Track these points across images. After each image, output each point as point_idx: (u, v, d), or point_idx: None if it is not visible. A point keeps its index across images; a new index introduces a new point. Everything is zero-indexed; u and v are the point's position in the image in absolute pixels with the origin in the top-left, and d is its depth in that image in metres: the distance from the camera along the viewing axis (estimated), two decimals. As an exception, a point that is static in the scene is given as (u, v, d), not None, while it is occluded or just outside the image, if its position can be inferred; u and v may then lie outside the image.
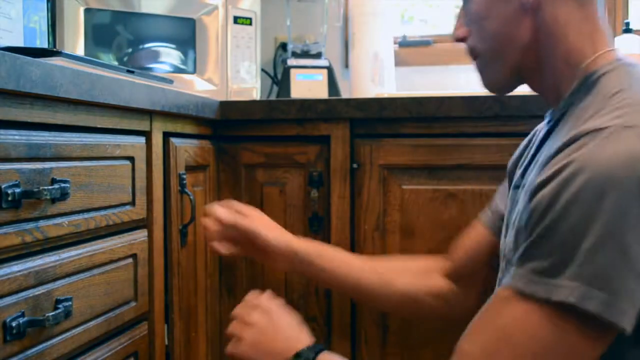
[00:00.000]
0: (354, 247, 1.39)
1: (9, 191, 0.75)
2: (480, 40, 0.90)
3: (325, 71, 1.88)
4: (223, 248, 1.16)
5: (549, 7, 0.83)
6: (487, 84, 0.94)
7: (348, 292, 1.23)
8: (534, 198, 0.72)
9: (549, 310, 0.68)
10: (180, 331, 1.23)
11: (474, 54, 0.93)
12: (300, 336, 0.96)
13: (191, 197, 1.23)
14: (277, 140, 1.44)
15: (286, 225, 1.30)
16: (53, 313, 0.82)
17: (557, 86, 0.86)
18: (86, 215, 0.92)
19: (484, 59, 0.91)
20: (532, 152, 0.93)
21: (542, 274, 0.69)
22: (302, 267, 1.18)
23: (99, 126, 0.96)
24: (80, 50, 1.53)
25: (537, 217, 0.71)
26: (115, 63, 1.57)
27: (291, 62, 1.90)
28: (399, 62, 1.99)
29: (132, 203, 1.06)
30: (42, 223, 0.82)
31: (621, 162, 0.66)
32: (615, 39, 1.87)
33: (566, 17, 0.83)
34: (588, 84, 0.81)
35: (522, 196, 0.82)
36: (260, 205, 1.43)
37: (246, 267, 1.45)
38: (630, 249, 0.65)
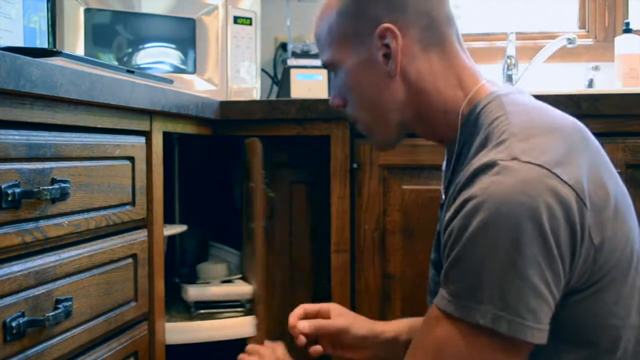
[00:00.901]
0: (353, 247, 1.40)
1: (9, 191, 0.75)
2: (357, 108, 0.96)
3: (325, 71, 1.88)
4: (316, 352, 1.18)
5: (412, 67, 0.89)
6: (376, 145, 1.00)
7: None
8: (446, 230, 0.79)
9: (468, 330, 0.75)
10: (264, 323, 1.27)
11: (354, 120, 0.98)
12: None
13: (270, 194, 1.29)
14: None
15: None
16: (53, 313, 0.82)
17: (443, 132, 0.92)
18: (86, 215, 0.92)
19: (366, 125, 0.97)
20: (447, 179, 0.97)
21: (459, 297, 0.75)
22: (389, 349, 1.17)
23: (99, 126, 0.96)
24: (80, 50, 1.52)
25: (449, 248, 0.77)
26: (115, 63, 1.57)
27: (291, 62, 1.90)
28: (399, 62, 1.99)
29: (132, 203, 1.06)
30: (42, 223, 0.82)
31: (512, 194, 0.72)
32: (615, 39, 1.87)
33: (430, 71, 0.89)
34: (471, 121, 0.87)
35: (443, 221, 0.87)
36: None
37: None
38: (527, 273, 0.72)
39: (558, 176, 0.74)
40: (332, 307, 1.19)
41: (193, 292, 1.38)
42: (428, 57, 0.89)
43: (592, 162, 0.80)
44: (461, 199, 0.76)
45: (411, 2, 0.88)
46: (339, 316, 1.18)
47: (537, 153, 0.75)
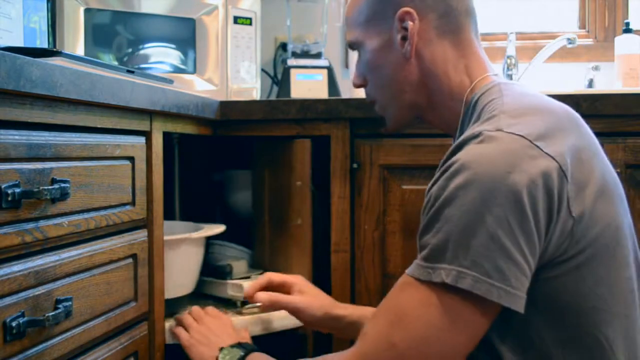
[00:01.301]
0: (353, 247, 1.39)
1: (9, 191, 0.75)
2: (376, 87, 1.02)
3: (325, 71, 1.88)
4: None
5: (427, 51, 0.94)
6: (390, 124, 1.05)
7: None
8: (427, 195, 0.82)
9: (433, 291, 0.76)
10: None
11: (371, 100, 1.05)
12: (241, 337, 1.13)
13: (315, 191, 1.41)
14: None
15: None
16: (53, 313, 0.82)
17: (450, 120, 0.96)
18: (86, 215, 0.92)
19: (382, 104, 1.03)
20: None
21: (427, 260, 0.78)
22: (347, 332, 1.20)
23: (99, 126, 0.96)
24: (80, 50, 1.52)
25: (426, 211, 0.80)
26: (115, 63, 1.57)
27: (291, 62, 1.90)
28: (399, 62, 1.99)
29: (132, 203, 1.06)
30: (42, 223, 0.82)
31: (492, 160, 0.75)
32: (615, 39, 1.87)
33: (443, 57, 0.94)
34: (471, 108, 0.91)
35: None
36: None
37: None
38: (496, 232, 0.73)
39: (540, 148, 0.76)
40: (296, 282, 1.23)
41: None
42: (442, 43, 0.94)
43: (579, 143, 0.82)
44: (445, 165, 0.80)
45: None
46: (299, 293, 1.22)
47: (521, 126, 0.78)
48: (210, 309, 1.23)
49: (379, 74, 1.00)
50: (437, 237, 0.77)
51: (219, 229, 1.38)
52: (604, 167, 0.84)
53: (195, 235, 1.31)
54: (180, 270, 1.28)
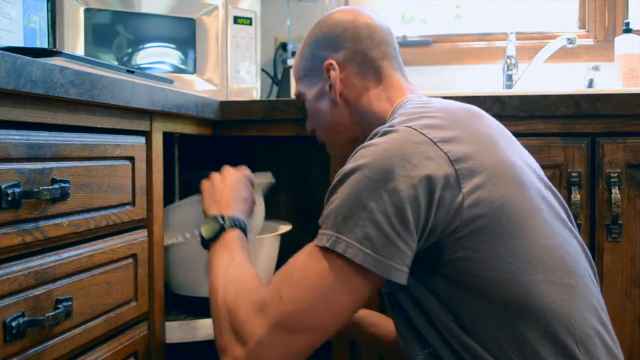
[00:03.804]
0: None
1: (9, 191, 0.75)
2: (318, 132, 1.19)
3: (325, 71, 1.88)
4: None
5: (352, 94, 1.10)
6: (334, 160, 1.21)
7: (386, 354, 1.30)
8: None
9: (320, 254, 0.86)
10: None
11: (322, 142, 1.20)
12: (233, 207, 1.15)
13: None
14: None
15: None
16: (53, 313, 0.82)
17: None
18: (86, 215, 0.92)
19: (326, 145, 1.19)
20: None
21: (320, 227, 0.88)
22: (345, 332, 1.28)
23: (99, 126, 0.96)
24: (80, 50, 1.52)
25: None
26: (115, 63, 1.57)
27: (291, 62, 1.90)
28: (399, 62, 1.99)
29: (132, 203, 1.06)
30: (42, 223, 0.82)
31: (380, 148, 0.86)
32: (615, 39, 1.88)
33: (367, 95, 1.09)
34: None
35: None
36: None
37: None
38: (369, 205, 0.83)
39: (424, 135, 0.87)
40: None
41: None
42: (365, 84, 1.09)
43: (474, 134, 0.90)
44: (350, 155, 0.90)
45: (348, 44, 1.10)
46: None
47: (410, 122, 0.90)
48: (242, 166, 1.26)
49: (318, 120, 1.16)
50: (329, 208, 0.87)
51: (288, 226, 1.43)
52: (505, 156, 0.90)
53: (279, 232, 1.39)
54: (264, 265, 1.33)
